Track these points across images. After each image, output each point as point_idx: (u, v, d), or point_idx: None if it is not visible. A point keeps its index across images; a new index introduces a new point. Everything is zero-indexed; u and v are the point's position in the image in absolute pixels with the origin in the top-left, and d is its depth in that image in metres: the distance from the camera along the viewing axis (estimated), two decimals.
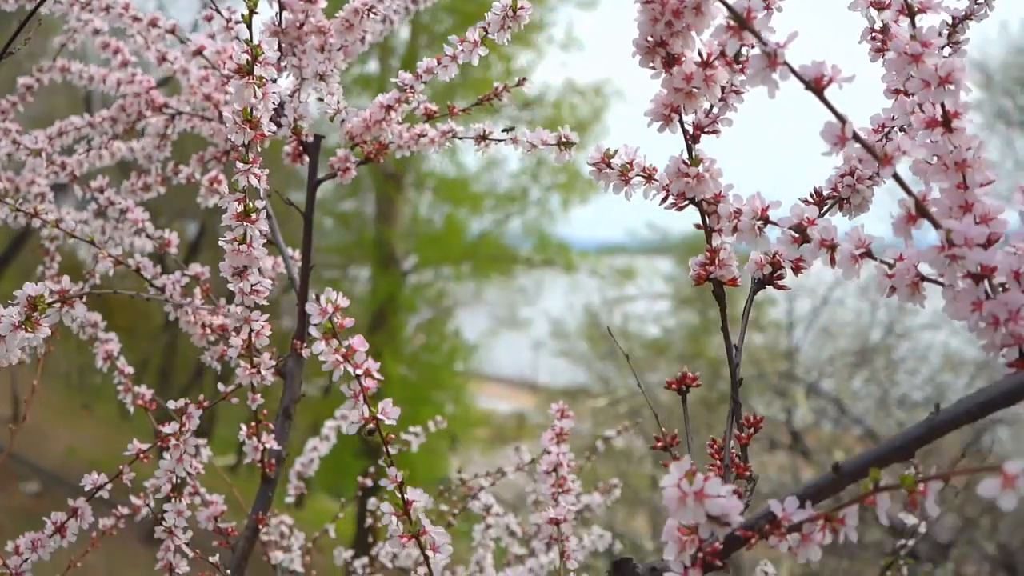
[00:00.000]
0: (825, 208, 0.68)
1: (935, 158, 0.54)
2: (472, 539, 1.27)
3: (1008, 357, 0.51)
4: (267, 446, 0.97)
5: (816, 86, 0.51)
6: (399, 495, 0.65)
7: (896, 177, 0.51)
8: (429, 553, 0.64)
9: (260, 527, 0.99)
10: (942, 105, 0.53)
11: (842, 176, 0.68)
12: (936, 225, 0.51)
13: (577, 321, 11.02)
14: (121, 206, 1.10)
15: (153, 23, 1.09)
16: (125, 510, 1.13)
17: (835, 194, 0.68)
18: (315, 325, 0.61)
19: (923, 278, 0.55)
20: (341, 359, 0.61)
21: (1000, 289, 0.52)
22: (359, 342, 0.62)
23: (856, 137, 0.50)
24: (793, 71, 0.50)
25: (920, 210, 0.51)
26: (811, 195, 0.69)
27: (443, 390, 10.78)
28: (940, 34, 0.69)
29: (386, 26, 1.11)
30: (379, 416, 0.63)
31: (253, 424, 0.96)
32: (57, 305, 0.66)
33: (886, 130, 0.69)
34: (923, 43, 0.53)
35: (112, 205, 1.12)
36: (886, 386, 7.14)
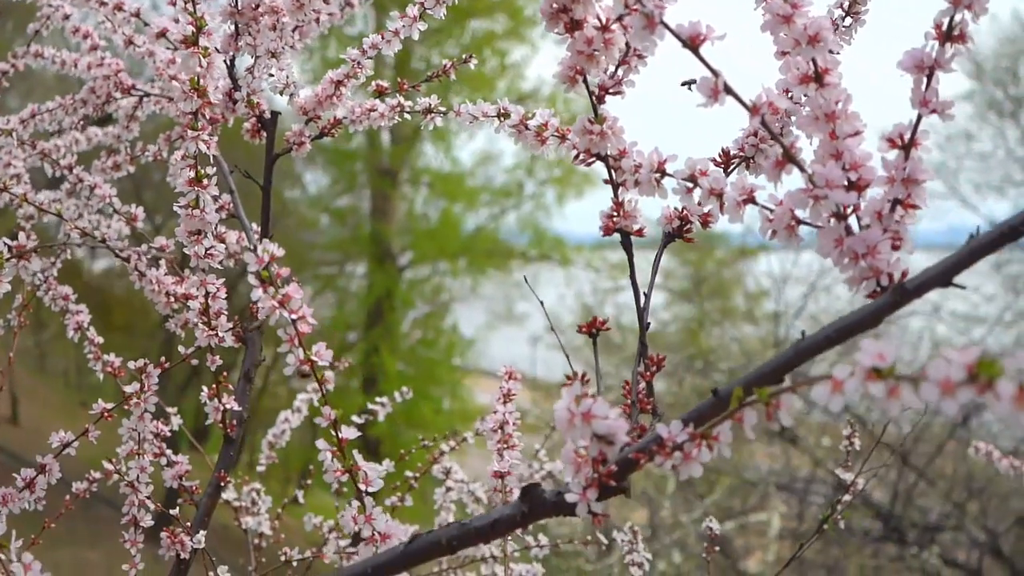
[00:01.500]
0: (732, 167, 0.73)
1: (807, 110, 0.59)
2: (434, 502, 1.32)
3: (866, 289, 0.56)
4: (228, 407, 1.02)
5: (692, 44, 0.56)
6: (333, 433, 0.70)
7: (765, 125, 0.56)
8: (362, 486, 0.69)
9: (222, 484, 1.04)
10: (813, 61, 0.58)
11: (747, 136, 0.73)
12: (802, 169, 0.56)
13: (572, 314, 11.06)
14: (89, 183, 1.15)
15: (118, 7, 1.14)
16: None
17: (741, 153, 0.73)
18: (252, 273, 0.66)
19: (799, 221, 0.60)
20: (277, 305, 0.66)
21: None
22: (294, 289, 0.67)
23: (727, 89, 0.55)
24: (670, 30, 0.55)
25: (788, 156, 0.56)
26: (719, 154, 0.74)
27: (440, 385, 10.83)
28: (841, 5, 0.74)
29: (347, 10, 1.16)
30: (313, 358, 0.68)
31: (214, 386, 1.01)
32: (14, 260, 0.70)
33: (790, 93, 0.74)
34: (793, 5, 0.58)
35: (81, 182, 1.17)
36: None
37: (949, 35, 0.57)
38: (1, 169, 1.32)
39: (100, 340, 1.16)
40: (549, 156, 0.74)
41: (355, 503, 0.70)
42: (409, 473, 1.35)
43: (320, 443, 0.70)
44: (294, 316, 0.67)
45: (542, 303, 0.93)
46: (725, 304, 10.14)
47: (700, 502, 5.75)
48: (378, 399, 1.44)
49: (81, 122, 1.26)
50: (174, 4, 1.12)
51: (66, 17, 1.24)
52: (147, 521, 0.99)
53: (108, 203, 1.15)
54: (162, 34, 1.09)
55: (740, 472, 6.65)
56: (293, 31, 1.02)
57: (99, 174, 1.23)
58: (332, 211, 11.75)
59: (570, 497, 0.60)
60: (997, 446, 1.92)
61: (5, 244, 0.70)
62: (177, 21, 1.14)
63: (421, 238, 11.62)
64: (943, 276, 0.52)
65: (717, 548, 1.20)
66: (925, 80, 0.57)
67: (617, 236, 0.72)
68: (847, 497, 1.13)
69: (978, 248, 0.51)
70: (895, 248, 0.57)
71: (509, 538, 1.17)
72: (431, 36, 11.05)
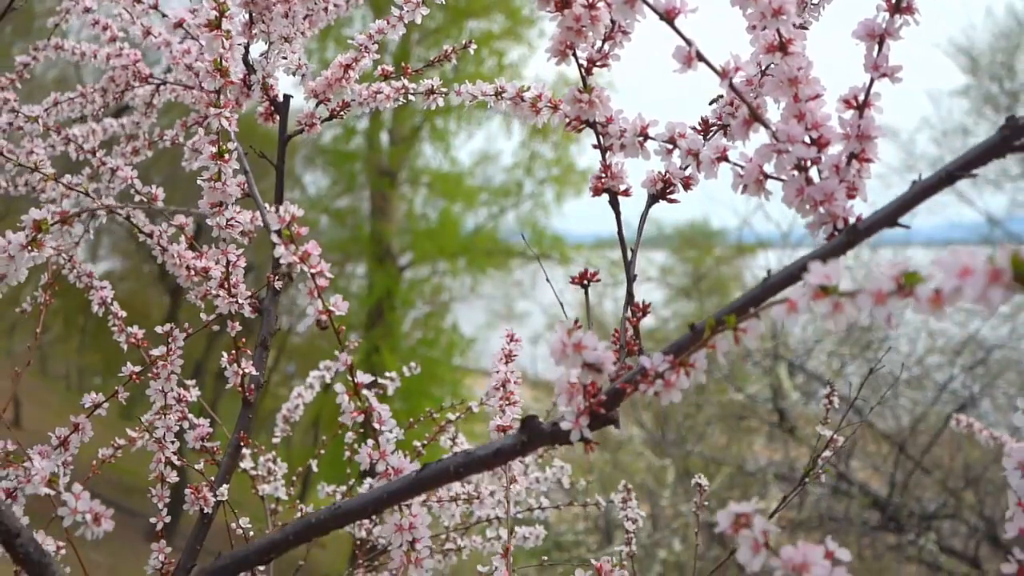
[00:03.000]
0: (711, 133, 0.80)
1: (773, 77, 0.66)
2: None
3: (825, 232, 0.63)
4: (247, 372, 1.09)
5: (668, 17, 0.63)
6: (350, 378, 0.77)
7: (733, 88, 0.63)
8: (376, 426, 0.77)
9: (242, 445, 1.11)
10: (778, 32, 0.66)
11: (724, 105, 0.80)
12: (767, 127, 0.63)
13: (572, 309, 11.10)
14: (111, 166, 1.22)
15: (137, 0, 1.21)
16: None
17: (719, 122, 0.80)
18: (275, 232, 0.73)
19: (766, 175, 0.67)
20: (298, 260, 0.73)
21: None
22: (313, 246, 0.74)
23: (700, 57, 0.63)
24: (648, 4, 0.63)
25: (753, 115, 0.63)
26: (699, 122, 0.81)
27: (441, 385, 10.88)
28: None
29: (352, 1, 1.23)
30: (331, 308, 0.75)
31: (233, 352, 1.08)
32: (58, 225, 0.77)
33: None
34: None
35: (104, 165, 1.24)
36: (872, 365, 7.27)
37: (898, 7, 0.64)
38: (24, 156, 1.39)
39: (123, 314, 1.23)
40: (541, 124, 0.81)
41: (370, 442, 0.77)
42: (417, 442, 1.42)
43: (338, 387, 0.77)
44: (313, 271, 0.74)
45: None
46: (724, 300, 10.22)
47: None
48: (387, 373, 1.51)
49: (101, 110, 1.33)
50: None
51: (87, 10, 1.31)
52: (172, 477, 1.06)
53: (129, 184, 1.22)
54: (179, 24, 1.16)
55: (739, 463, 6.72)
56: (304, 19, 1.09)
57: (120, 158, 1.30)
58: (332, 212, 11.81)
59: (564, 425, 0.66)
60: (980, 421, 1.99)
61: (49, 211, 0.77)
62: (193, 12, 1.21)
63: (421, 238, 11.68)
64: (890, 217, 0.59)
65: (706, 503, 1.27)
66: (877, 47, 0.64)
67: (612, 230, 0.79)
68: (827, 452, 1.20)
69: (920, 191, 0.58)
70: (851, 197, 0.64)
71: (512, 503, 1.24)
72: (429, 36, 11.12)
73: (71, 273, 1.26)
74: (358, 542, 1.49)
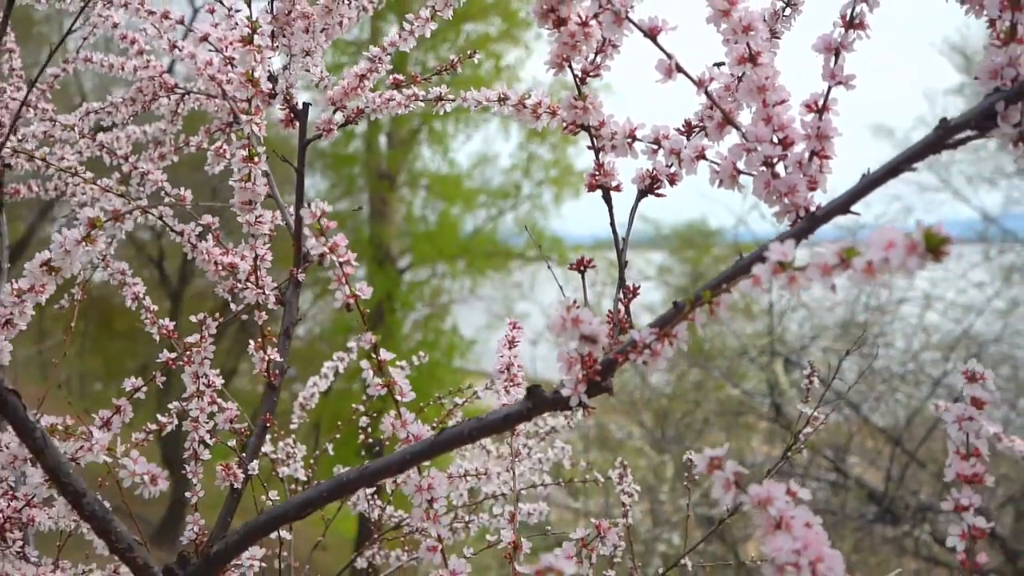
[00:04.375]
0: (693, 134, 0.90)
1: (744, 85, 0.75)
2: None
3: (789, 219, 0.72)
4: (272, 358, 1.18)
5: (652, 34, 0.72)
6: (374, 355, 0.86)
7: (708, 95, 0.73)
8: (398, 397, 0.86)
9: (268, 426, 1.20)
10: (748, 46, 0.75)
11: (704, 110, 0.89)
12: (738, 128, 0.73)
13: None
14: (143, 169, 1.31)
15: (165, 16, 1.31)
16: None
17: (700, 124, 0.90)
18: (307, 225, 0.82)
19: (738, 170, 0.76)
20: (328, 250, 0.83)
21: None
22: (341, 238, 0.84)
23: (679, 68, 0.72)
24: (634, 24, 0.72)
25: (726, 119, 0.73)
26: (683, 125, 0.90)
27: (442, 387, 10.97)
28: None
29: (361, 12, 1.33)
30: (357, 292, 0.85)
31: (260, 339, 1.18)
32: (111, 222, 0.87)
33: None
34: (730, 2, 0.74)
35: (136, 169, 1.33)
36: (869, 361, 7.38)
37: (851, 23, 0.74)
38: (57, 162, 1.49)
39: (155, 308, 1.32)
40: (540, 128, 0.91)
41: (392, 412, 0.86)
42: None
43: (363, 363, 0.86)
44: (341, 259, 0.84)
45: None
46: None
47: (698, 488, 5.90)
48: (398, 363, 1.59)
49: (129, 119, 1.42)
50: (212, 12, 1.29)
51: (115, 25, 1.41)
52: (206, 455, 1.16)
53: (160, 187, 1.31)
54: (204, 38, 1.25)
55: (739, 459, 6.80)
56: (320, 31, 1.19)
57: (148, 163, 1.40)
58: (331, 215, 11.87)
59: (565, 391, 0.76)
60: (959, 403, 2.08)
61: (102, 209, 0.86)
62: (215, 26, 1.30)
63: (420, 240, 11.76)
64: (843, 206, 0.69)
65: (696, 478, 1.36)
66: (833, 58, 0.74)
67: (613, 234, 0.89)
68: (808, 429, 1.29)
69: (869, 183, 0.68)
70: (812, 189, 0.73)
71: (518, 476, 1.33)
72: (426, 40, 11.24)
73: (105, 271, 1.35)
74: (372, 522, 1.58)
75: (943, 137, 0.66)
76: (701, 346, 8.54)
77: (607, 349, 0.76)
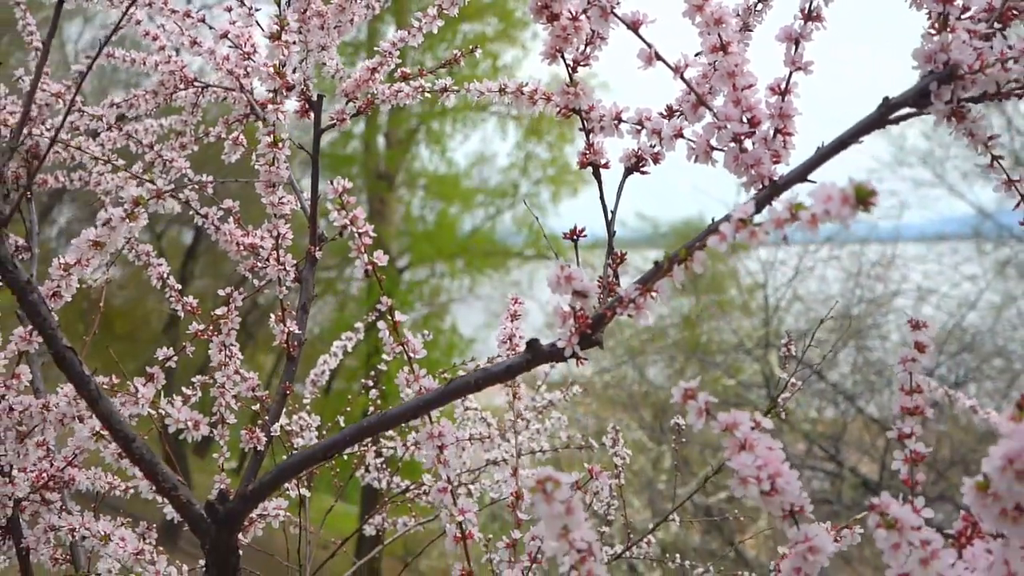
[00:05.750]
0: (674, 117, 1.00)
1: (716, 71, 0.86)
2: (455, 420, 1.58)
3: (755, 188, 0.82)
4: (291, 330, 1.28)
5: (634, 26, 0.83)
6: (390, 317, 0.96)
7: (684, 80, 0.83)
8: (412, 354, 0.96)
9: (287, 393, 1.30)
10: (719, 36, 0.85)
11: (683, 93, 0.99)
12: (710, 109, 0.83)
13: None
14: (168, 158, 1.41)
15: (187, 14, 1.41)
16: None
17: (679, 108, 1.00)
18: (330, 200, 0.92)
19: (712, 147, 0.86)
20: (348, 223, 0.93)
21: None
22: (360, 212, 0.94)
23: (658, 56, 0.82)
24: (618, 17, 0.82)
25: (700, 100, 0.83)
26: (665, 108, 1.00)
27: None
28: None
29: (369, 10, 1.43)
30: (375, 260, 0.95)
31: (280, 313, 1.28)
32: (154, 200, 0.97)
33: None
34: None
35: (160, 158, 1.43)
36: (865, 353, 7.50)
37: (809, 16, 0.84)
38: (88, 150, 1.59)
39: (179, 287, 1.42)
40: (536, 113, 1.01)
41: (406, 368, 0.97)
42: None
43: (380, 324, 0.96)
44: (360, 231, 0.94)
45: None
46: (721, 297, 10.42)
47: (694, 477, 6.02)
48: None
49: (152, 110, 1.52)
50: (229, 10, 1.39)
51: (138, 22, 1.51)
52: (231, 419, 1.26)
53: (183, 174, 1.41)
54: (224, 35, 1.35)
55: None
56: (334, 28, 1.29)
57: (171, 152, 1.50)
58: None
59: (559, 343, 0.86)
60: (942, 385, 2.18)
61: (148, 188, 0.96)
62: (232, 24, 1.40)
63: (418, 240, 11.85)
64: (801, 175, 0.79)
65: (684, 440, 1.46)
66: (794, 47, 0.84)
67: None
68: (786, 394, 1.39)
69: (822, 155, 0.78)
70: (776, 162, 0.83)
71: (521, 443, 1.43)
72: (423, 40, 11.33)
73: (131, 252, 1.45)
74: (380, 491, 1.68)
75: (885, 114, 0.76)
76: (699, 341, 8.67)
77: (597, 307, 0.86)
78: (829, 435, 7.16)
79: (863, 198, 0.60)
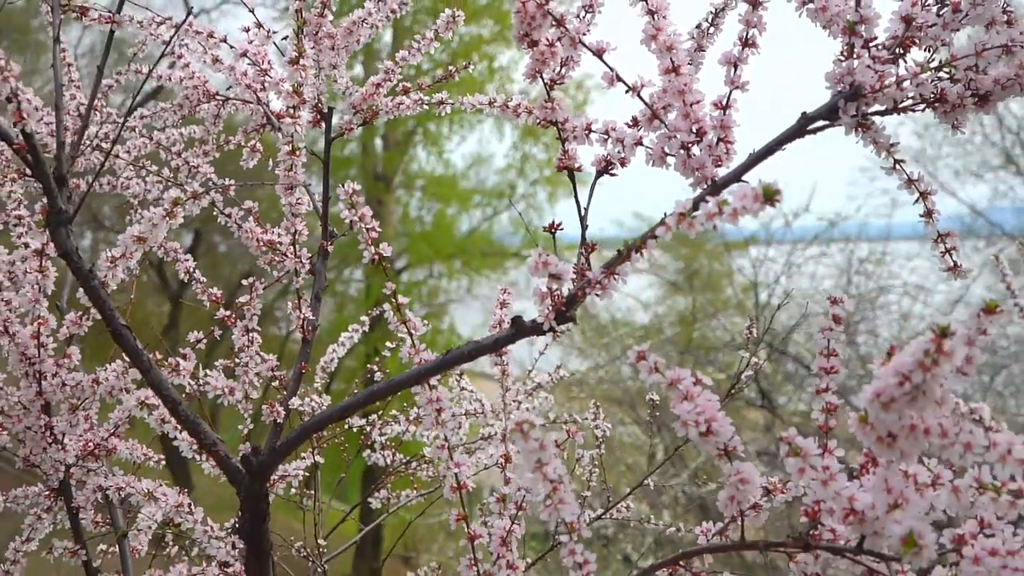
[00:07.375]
0: (638, 127, 1.16)
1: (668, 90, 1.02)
2: (454, 401, 1.75)
3: (701, 188, 0.99)
4: (306, 316, 1.45)
5: (598, 53, 0.99)
6: (394, 300, 1.13)
7: (640, 98, 0.99)
8: (413, 331, 1.12)
9: (303, 373, 1.46)
10: (671, 60, 1.01)
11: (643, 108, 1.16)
12: (662, 122, 0.99)
13: None
14: (194, 163, 1.58)
15: (210, 35, 1.57)
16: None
17: (640, 120, 1.16)
18: (341, 200, 1.08)
19: (666, 153, 1.03)
20: (357, 219, 1.09)
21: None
22: (367, 210, 1.10)
23: (618, 78, 0.99)
24: (585, 46, 0.99)
25: (654, 114, 1.00)
26: (631, 119, 1.16)
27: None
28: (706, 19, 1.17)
29: (373, 30, 1.59)
30: (381, 251, 1.11)
31: (296, 300, 1.44)
32: (191, 200, 1.13)
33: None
34: (656, 28, 1.00)
35: (187, 164, 1.59)
36: (853, 349, 7.67)
37: (746, 43, 1.00)
38: (111, 161, 1.75)
39: (204, 279, 1.58)
40: (521, 124, 1.17)
41: (408, 343, 1.13)
42: None
43: (385, 305, 1.13)
44: (367, 226, 1.10)
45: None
46: (717, 296, 10.58)
47: (686, 467, 6.18)
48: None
49: (178, 121, 1.68)
50: (247, 31, 1.55)
51: (165, 42, 1.67)
52: (254, 395, 1.42)
53: (208, 178, 1.58)
54: (243, 54, 1.51)
55: None
56: (343, 48, 1.45)
57: (197, 158, 1.66)
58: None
59: (539, 319, 1.02)
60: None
61: (183, 189, 1.12)
62: (251, 43, 1.56)
63: (416, 241, 11.99)
64: (736, 176, 0.95)
65: (658, 413, 1.62)
66: (733, 69, 1.00)
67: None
68: (748, 373, 1.55)
69: (754, 159, 0.94)
70: (718, 165, 0.99)
71: (511, 415, 1.59)
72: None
73: (159, 250, 1.61)
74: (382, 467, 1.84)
75: (803, 125, 0.93)
76: (691, 338, 8.83)
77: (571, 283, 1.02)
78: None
79: (770, 196, 0.76)
